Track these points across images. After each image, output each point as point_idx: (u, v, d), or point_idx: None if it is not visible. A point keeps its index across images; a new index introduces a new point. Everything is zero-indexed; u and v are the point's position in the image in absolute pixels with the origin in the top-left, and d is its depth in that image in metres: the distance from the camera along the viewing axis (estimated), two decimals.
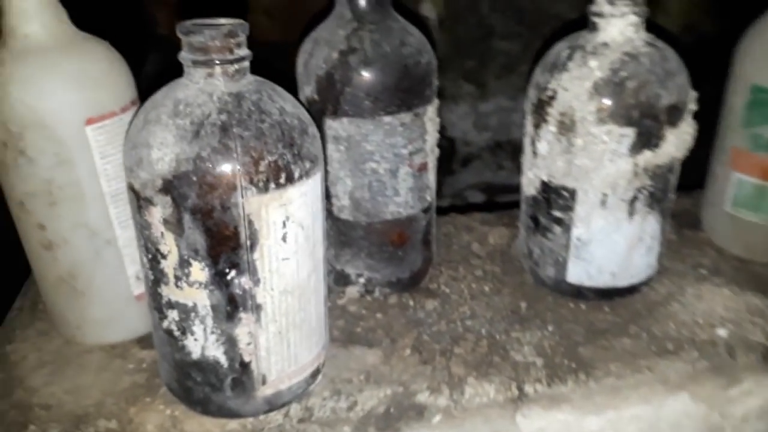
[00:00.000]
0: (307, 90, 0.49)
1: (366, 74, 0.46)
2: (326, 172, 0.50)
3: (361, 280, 0.54)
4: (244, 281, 0.38)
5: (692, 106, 0.49)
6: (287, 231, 0.38)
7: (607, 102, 0.47)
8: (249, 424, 0.45)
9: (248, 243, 0.37)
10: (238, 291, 0.38)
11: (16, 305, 0.57)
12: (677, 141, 0.48)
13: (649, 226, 0.52)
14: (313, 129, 0.40)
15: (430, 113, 0.50)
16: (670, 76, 0.47)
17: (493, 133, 1.66)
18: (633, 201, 0.50)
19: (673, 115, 0.48)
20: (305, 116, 0.40)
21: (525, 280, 0.59)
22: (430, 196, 0.54)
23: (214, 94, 0.36)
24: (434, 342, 0.51)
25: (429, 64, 0.49)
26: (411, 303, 0.55)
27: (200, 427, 0.44)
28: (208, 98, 0.36)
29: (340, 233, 0.53)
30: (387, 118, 0.48)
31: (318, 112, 0.48)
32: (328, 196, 0.51)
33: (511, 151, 1.70)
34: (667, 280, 0.58)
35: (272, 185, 0.36)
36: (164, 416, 0.45)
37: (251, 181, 0.36)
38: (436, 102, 0.51)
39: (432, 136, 0.51)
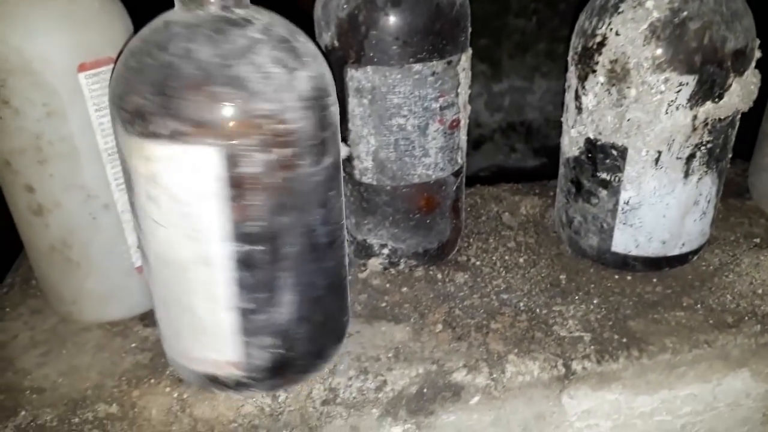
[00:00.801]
0: (326, 36, 0.44)
1: (394, 14, 0.41)
2: (347, 131, 0.45)
3: (385, 251, 0.49)
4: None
5: (758, 54, 0.44)
6: (155, 193, 0.33)
7: (666, 46, 0.42)
8: (267, 407, 0.40)
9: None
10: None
11: (6, 281, 0.52)
12: (742, 91, 0.43)
13: (705, 188, 0.47)
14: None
15: (464, 63, 0.45)
16: (736, 17, 0.42)
17: (505, 114, 1.61)
18: (690, 159, 0.45)
19: (739, 61, 0.42)
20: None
21: (562, 251, 0.54)
22: (461, 158, 0.48)
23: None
24: (468, 317, 0.46)
25: (463, 5, 0.44)
26: (439, 276, 0.50)
27: (212, 411, 0.39)
28: None
29: (362, 199, 0.48)
30: (417, 66, 0.42)
31: (338, 60, 0.43)
32: (349, 158, 0.46)
33: (524, 133, 1.65)
34: (718, 249, 0.53)
35: (137, 130, 0.31)
36: (171, 399, 0.40)
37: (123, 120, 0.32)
38: (469, 51, 0.46)
39: (465, 90, 0.46)
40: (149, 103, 0.31)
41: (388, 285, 0.50)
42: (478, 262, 0.52)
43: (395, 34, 0.42)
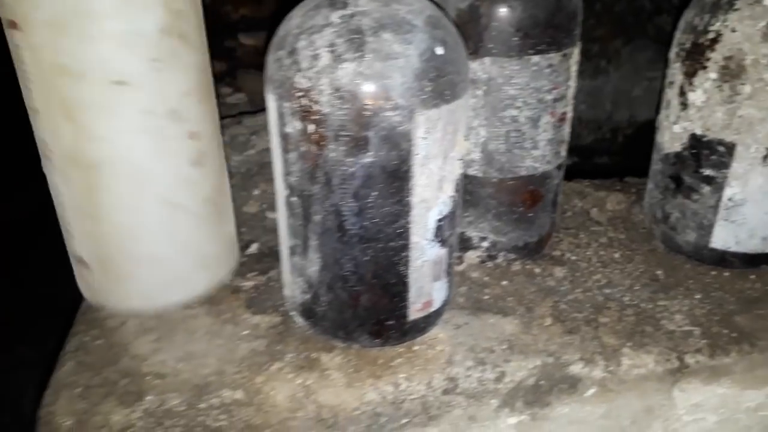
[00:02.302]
0: None
1: (517, 6, 0.41)
2: None
3: (485, 244, 0.50)
4: None
5: None
6: None
7: None
8: (389, 395, 0.40)
9: None
10: None
11: None
12: None
13: None
14: None
15: (576, 56, 0.45)
16: None
17: None
18: None
19: None
20: None
21: (655, 247, 0.54)
22: (564, 152, 0.49)
23: None
24: (574, 311, 0.46)
25: None
26: (537, 270, 0.51)
27: (336, 398, 0.39)
28: None
29: (466, 191, 0.48)
30: (535, 58, 0.43)
31: None
32: None
33: None
34: None
35: None
36: (295, 386, 0.40)
37: None
38: (579, 45, 0.46)
39: (574, 83, 0.46)
40: None
41: (487, 278, 0.50)
42: (573, 257, 0.52)
43: (517, 26, 0.42)
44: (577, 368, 0.42)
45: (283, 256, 0.43)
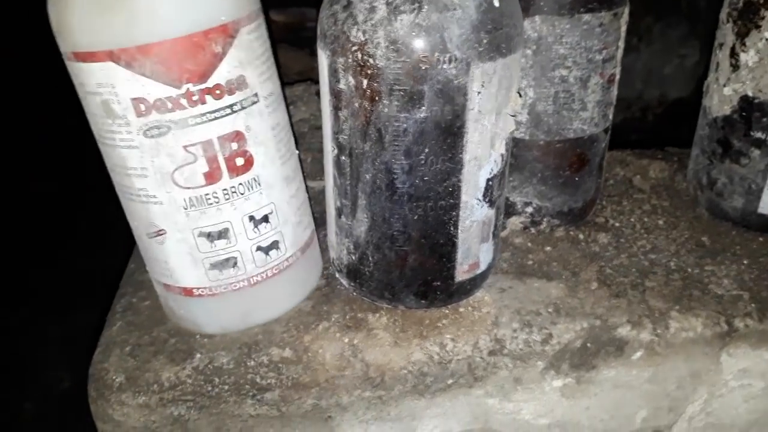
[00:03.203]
0: None
1: None
2: None
3: (529, 209, 0.49)
4: None
5: None
6: None
7: None
8: (436, 355, 0.40)
9: None
10: None
11: None
12: None
13: None
14: None
15: (626, 16, 0.44)
16: None
17: None
18: None
19: None
20: None
21: (699, 214, 0.53)
22: (611, 115, 0.48)
23: None
24: (620, 275, 0.46)
25: None
26: (581, 236, 0.50)
27: (383, 357, 0.39)
28: None
29: (511, 155, 0.47)
30: (586, 16, 0.42)
31: None
32: None
33: None
34: None
35: None
36: (343, 344, 0.40)
37: None
38: (628, 5, 0.45)
39: (622, 44, 0.45)
40: None
41: (530, 244, 0.49)
42: (617, 224, 0.52)
43: None
44: (624, 331, 0.41)
45: (329, 218, 0.42)
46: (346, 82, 0.35)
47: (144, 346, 0.40)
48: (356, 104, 0.35)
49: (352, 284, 0.42)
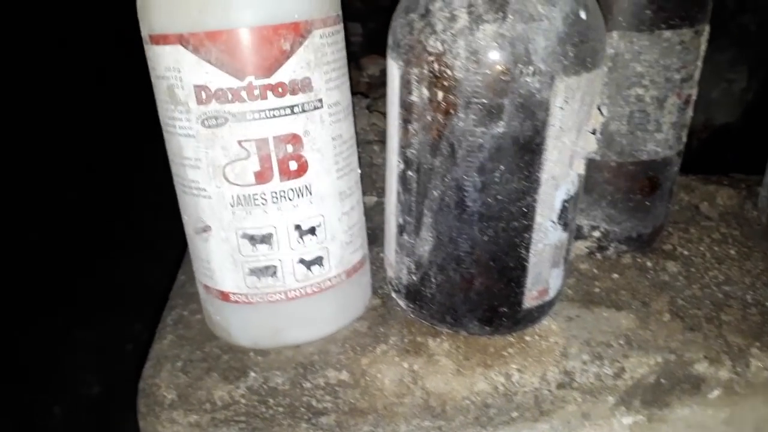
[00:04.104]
0: None
1: None
2: None
3: (596, 233, 0.47)
4: None
5: None
6: None
7: None
8: (501, 386, 0.37)
9: None
10: None
11: None
12: None
13: None
14: None
15: (707, 34, 0.42)
16: None
17: None
18: None
19: None
20: None
21: None
22: (685, 138, 0.45)
23: None
24: (694, 307, 0.43)
25: None
26: (648, 264, 0.47)
27: (444, 385, 0.37)
28: None
29: None
30: (667, 33, 0.40)
31: None
32: None
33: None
34: None
35: None
36: (402, 369, 0.38)
37: None
38: (708, 21, 0.43)
39: (701, 63, 0.43)
40: None
41: (596, 270, 0.47)
42: (685, 252, 0.49)
43: None
44: (701, 367, 0.39)
45: (388, 235, 0.41)
46: (419, 94, 0.33)
47: (196, 362, 0.39)
48: (429, 117, 0.34)
49: (411, 306, 0.40)
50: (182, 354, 0.39)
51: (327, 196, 0.37)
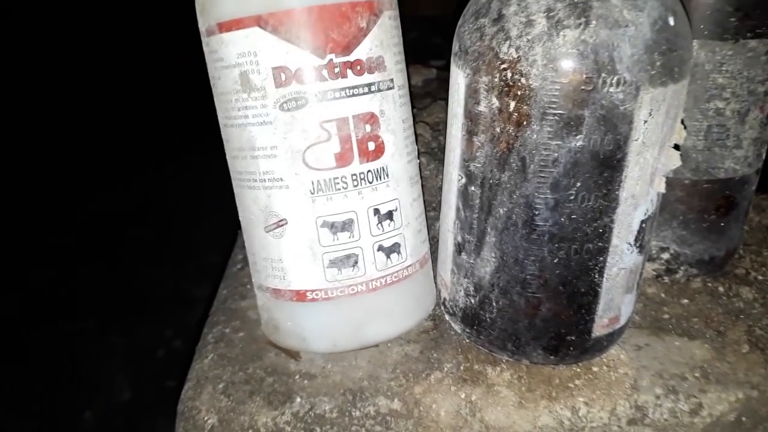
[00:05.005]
0: None
1: None
2: None
3: (665, 255, 0.43)
4: None
5: None
6: None
7: None
8: (567, 420, 0.35)
9: None
10: None
11: (236, 258, 0.49)
12: None
13: None
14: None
15: None
16: None
17: None
18: None
19: None
20: None
21: None
22: (764, 155, 0.42)
23: None
24: None
25: None
26: (721, 289, 0.44)
27: (505, 418, 0.35)
28: None
29: None
30: (752, 43, 0.37)
31: None
32: None
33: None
34: None
35: None
36: (459, 400, 0.35)
37: None
38: None
39: None
40: None
41: (664, 295, 0.44)
42: (760, 277, 0.45)
43: (736, 4, 0.36)
44: None
45: (444, 254, 0.38)
46: (488, 103, 0.31)
47: (238, 385, 0.37)
48: (498, 129, 0.31)
49: (468, 330, 0.38)
50: (224, 375, 0.37)
51: (401, 179, 0.36)
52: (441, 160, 0.59)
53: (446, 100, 0.80)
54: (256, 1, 0.31)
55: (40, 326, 1.33)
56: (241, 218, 0.38)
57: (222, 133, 0.36)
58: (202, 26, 0.34)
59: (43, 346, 1.30)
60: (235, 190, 0.37)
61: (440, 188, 0.56)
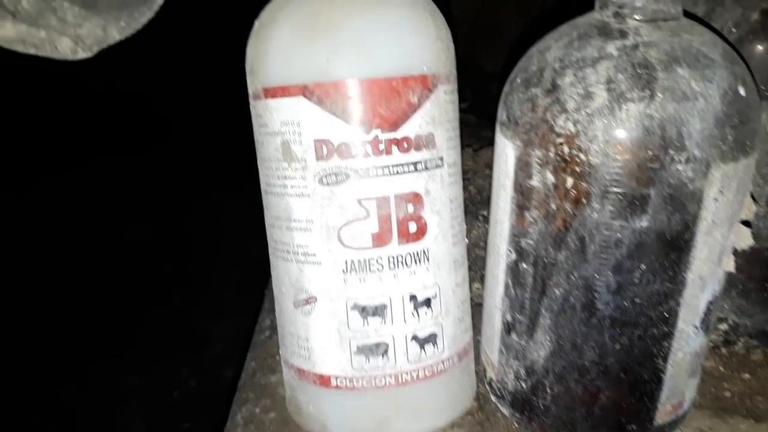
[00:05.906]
0: None
1: None
2: None
3: (723, 326, 0.41)
4: None
5: None
6: None
7: None
8: None
9: None
10: None
11: (264, 324, 0.47)
12: None
13: None
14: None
15: None
16: None
17: None
18: None
19: None
20: None
21: None
22: None
23: None
24: None
25: None
26: None
27: None
28: None
29: None
30: None
31: None
32: None
33: None
34: None
35: None
36: None
37: None
38: None
39: None
40: None
41: (722, 369, 0.41)
42: None
43: None
44: None
45: (490, 331, 0.36)
46: (542, 179, 0.29)
47: None
48: (553, 205, 0.29)
49: (518, 415, 0.35)
50: None
51: (443, 263, 0.33)
52: (472, 213, 0.56)
53: (471, 146, 0.78)
54: (302, 70, 0.29)
55: (57, 371, 1.31)
56: (273, 287, 0.36)
57: (263, 199, 0.34)
58: (250, 88, 0.32)
59: (61, 391, 1.28)
60: (270, 259, 0.35)
61: (473, 245, 0.54)
